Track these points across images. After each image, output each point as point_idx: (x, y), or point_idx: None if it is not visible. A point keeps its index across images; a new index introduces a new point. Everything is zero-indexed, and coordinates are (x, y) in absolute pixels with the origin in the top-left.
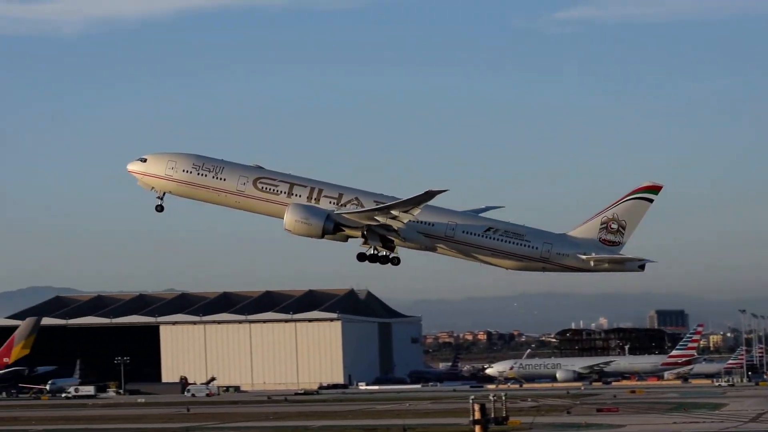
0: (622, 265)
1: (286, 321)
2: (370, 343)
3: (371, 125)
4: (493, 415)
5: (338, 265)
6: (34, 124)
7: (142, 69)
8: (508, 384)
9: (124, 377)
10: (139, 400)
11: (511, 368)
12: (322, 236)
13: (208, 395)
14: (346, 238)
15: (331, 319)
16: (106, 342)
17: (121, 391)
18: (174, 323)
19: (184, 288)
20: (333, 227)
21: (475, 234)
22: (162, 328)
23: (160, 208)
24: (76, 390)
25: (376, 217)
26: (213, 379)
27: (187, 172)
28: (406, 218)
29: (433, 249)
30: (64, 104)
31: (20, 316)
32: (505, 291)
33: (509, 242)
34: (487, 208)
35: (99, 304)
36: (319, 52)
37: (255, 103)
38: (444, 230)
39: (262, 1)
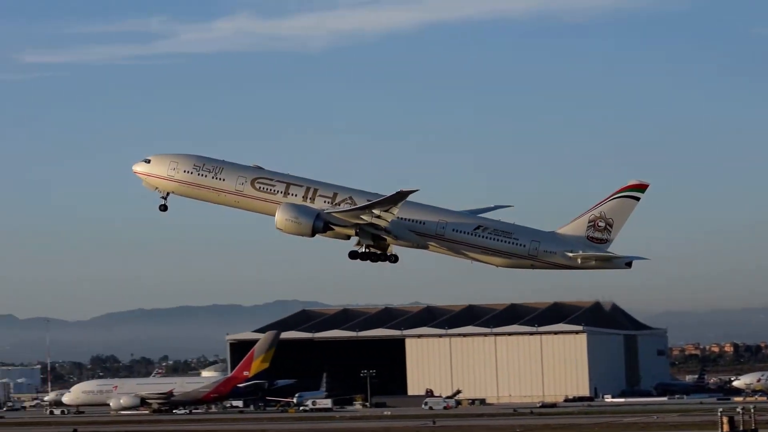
0: (609, 262)
1: (531, 334)
2: (616, 356)
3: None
4: (741, 428)
5: (583, 277)
6: (284, 140)
7: (387, 81)
8: (756, 396)
9: (369, 390)
10: (384, 413)
11: (759, 380)
12: (313, 235)
13: (445, 408)
14: (347, 237)
15: (577, 332)
16: (351, 355)
17: (367, 403)
18: (419, 336)
19: (429, 301)
20: (323, 226)
21: (464, 232)
22: (408, 341)
23: (163, 208)
24: (314, 403)
25: (362, 216)
26: (458, 391)
27: (188, 172)
28: (388, 217)
29: (425, 247)
30: (309, 119)
31: (267, 329)
32: (751, 302)
33: (498, 240)
34: (495, 207)
35: (345, 317)
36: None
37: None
38: (435, 228)
39: (504, 14)
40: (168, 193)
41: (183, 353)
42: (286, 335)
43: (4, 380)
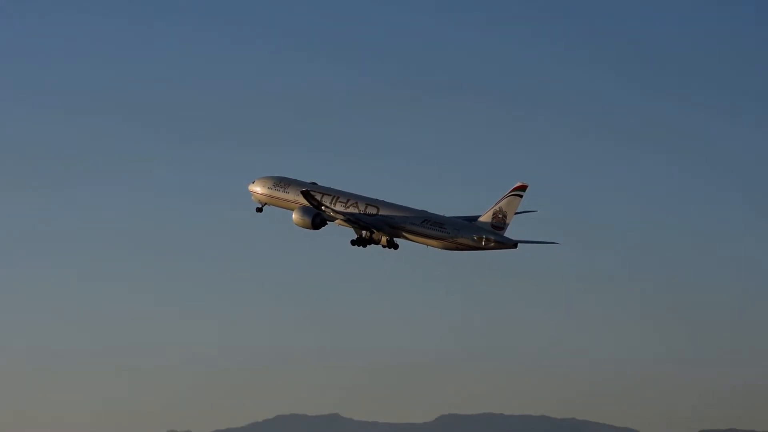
0: (502, 244)
1: None
2: None
3: None
4: None
5: None
6: None
7: None
8: None
9: None
10: None
11: None
12: (315, 228)
13: None
14: (369, 231)
15: None
16: None
17: None
18: None
19: None
20: (320, 221)
21: (416, 224)
22: None
23: (259, 210)
24: None
25: (332, 214)
26: None
27: (270, 188)
28: (328, 211)
29: (399, 236)
30: None
31: None
32: None
33: (435, 230)
34: (522, 212)
35: None
36: None
37: None
38: (400, 222)
39: None
40: (265, 204)
41: None
42: None
43: None
